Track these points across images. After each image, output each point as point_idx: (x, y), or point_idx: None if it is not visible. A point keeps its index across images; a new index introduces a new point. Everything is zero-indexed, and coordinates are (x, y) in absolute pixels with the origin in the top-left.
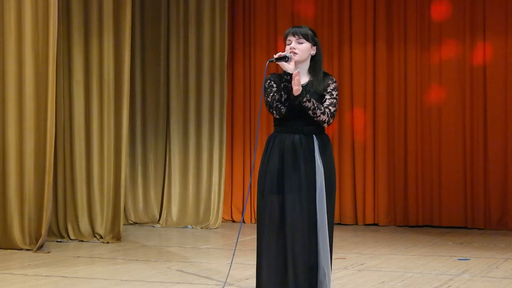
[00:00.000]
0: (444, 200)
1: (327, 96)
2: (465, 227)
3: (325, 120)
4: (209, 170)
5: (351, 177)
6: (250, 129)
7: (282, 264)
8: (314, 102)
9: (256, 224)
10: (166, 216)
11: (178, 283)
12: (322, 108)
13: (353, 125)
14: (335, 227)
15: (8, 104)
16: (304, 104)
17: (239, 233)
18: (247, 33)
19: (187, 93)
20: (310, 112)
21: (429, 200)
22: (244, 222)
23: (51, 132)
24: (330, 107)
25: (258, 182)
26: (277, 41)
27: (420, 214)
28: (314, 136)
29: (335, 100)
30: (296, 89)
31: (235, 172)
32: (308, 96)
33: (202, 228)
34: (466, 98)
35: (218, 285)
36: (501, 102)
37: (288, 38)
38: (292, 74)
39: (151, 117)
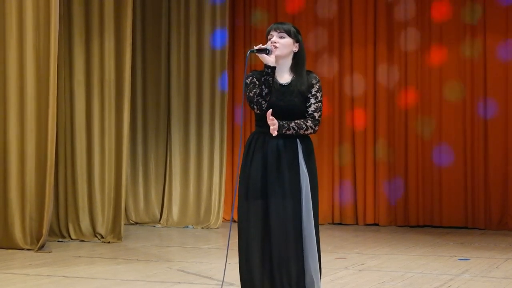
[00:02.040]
0: (444, 200)
1: (312, 100)
2: (466, 227)
3: (311, 132)
4: (209, 170)
5: (352, 177)
6: (250, 129)
7: (268, 270)
8: (295, 126)
9: (237, 229)
10: (167, 216)
11: (179, 283)
12: (304, 125)
13: (353, 125)
14: (336, 227)
15: (9, 104)
16: (286, 133)
17: (230, 232)
18: (247, 33)
19: (188, 93)
20: (294, 134)
21: (429, 200)
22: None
23: (52, 132)
24: (315, 114)
25: (239, 185)
26: None
27: (421, 214)
28: (298, 140)
29: (320, 104)
30: (273, 129)
31: (236, 172)
32: (285, 125)
33: (202, 228)
34: (466, 98)
35: (219, 285)
36: (502, 102)
37: (270, 33)
38: (272, 67)
39: (152, 117)
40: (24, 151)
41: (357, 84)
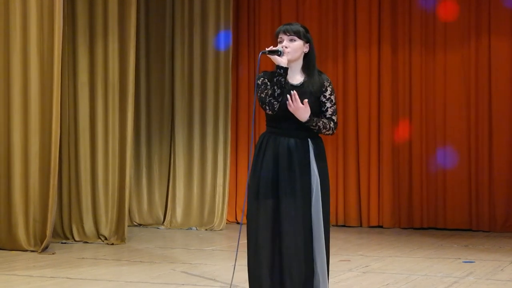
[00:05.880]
0: (449, 202)
1: (328, 104)
2: (470, 230)
3: (330, 133)
4: (213, 171)
5: (356, 179)
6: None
7: (277, 272)
8: (321, 124)
9: (246, 229)
10: (171, 217)
11: (183, 284)
12: (328, 125)
13: (357, 127)
14: (340, 229)
15: (13, 106)
16: (312, 127)
17: (239, 234)
18: (251, 35)
19: (192, 95)
20: (316, 131)
21: (433, 202)
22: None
23: (56, 134)
24: (333, 117)
25: (250, 185)
26: None
27: (425, 216)
28: (309, 140)
29: (335, 107)
30: (304, 118)
31: (240, 174)
32: (315, 119)
33: (206, 229)
34: (471, 100)
35: (223, 286)
36: (506, 104)
37: (279, 36)
38: (284, 67)
39: (156, 118)
40: (28, 153)
41: (361, 86)
